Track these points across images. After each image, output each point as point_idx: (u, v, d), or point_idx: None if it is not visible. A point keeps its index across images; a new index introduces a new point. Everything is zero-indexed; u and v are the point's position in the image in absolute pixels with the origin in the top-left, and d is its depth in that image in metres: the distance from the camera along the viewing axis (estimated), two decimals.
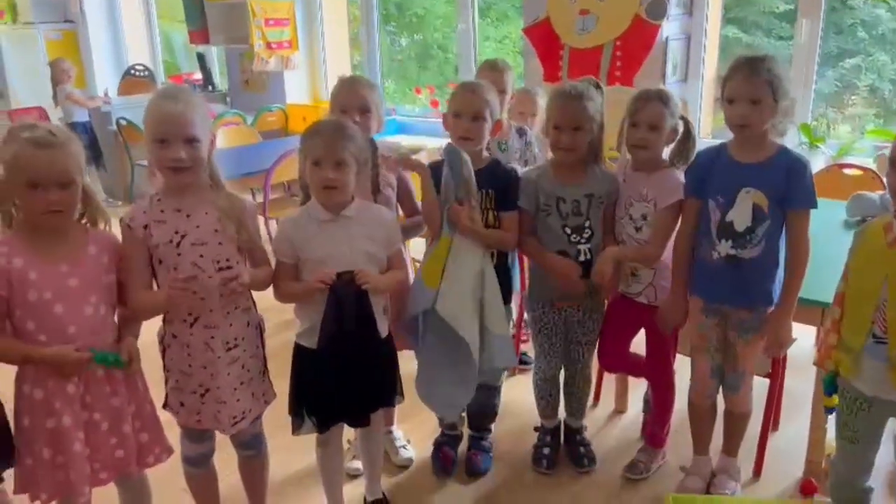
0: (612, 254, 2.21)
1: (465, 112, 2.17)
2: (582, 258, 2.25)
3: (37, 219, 1.66)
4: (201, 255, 1.80)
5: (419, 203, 2.32)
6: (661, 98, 2.15)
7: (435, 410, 2.32)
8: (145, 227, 1.79)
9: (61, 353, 1.65)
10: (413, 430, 2.63)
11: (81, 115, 6.19)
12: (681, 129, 2.19)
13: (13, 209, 1.70)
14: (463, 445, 2.57)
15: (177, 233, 1.79)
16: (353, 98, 2.24)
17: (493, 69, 2.98)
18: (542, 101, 3.08)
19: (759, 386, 2.30)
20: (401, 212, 2.38)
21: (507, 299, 2.29)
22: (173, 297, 1.75)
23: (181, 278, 1.75)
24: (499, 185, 2.22)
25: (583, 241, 2.24)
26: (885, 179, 3.29)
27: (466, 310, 2.11)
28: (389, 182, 2.28)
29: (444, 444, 2.52)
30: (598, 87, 2.26)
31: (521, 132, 3.00)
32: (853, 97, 6.20)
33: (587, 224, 2.24)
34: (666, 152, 2.22)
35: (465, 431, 2.58)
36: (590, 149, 2.22)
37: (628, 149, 2.21)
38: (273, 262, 1.98)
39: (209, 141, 1.83)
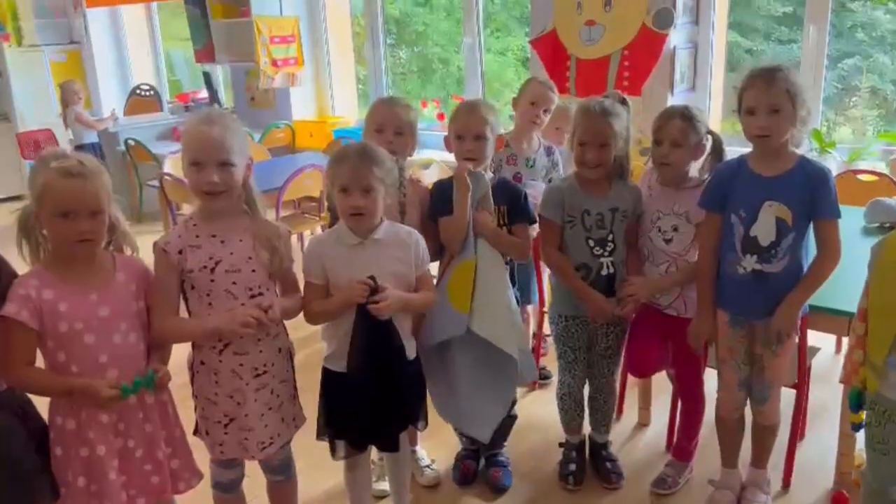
0: (647, 289, 2.24)
1: (467, 133, 2.19)
2: (605, 272, 2.25)
3: (66, 248, 1.67)
4: (234, 283, 1.80)
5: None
6: (684, 115, 2.15)
7: (469, 432, 2.33)
8: (180, 251, 1.79)
9: (95, 388, 1.64)
10: (436, 450, 2.62)
11: (90, 137, 6.22)
12: (709, 144, 2.20)
13: (41, 240, 1.70)
14: (481, 464, 2.56)
15: (211, 258, 1.79)
16: (389, 118, 2.24)
17: (545, 87, 3.01)
18: None
19: (785, 396, 2.29)
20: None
21: None
22: (236, 329, 1.76)
23: (255, 316, 1.75)
24: (508, 200, 2.27)
25: (606, 254, 2.25)
26: None
27: (505, 326, 2.16)
28: (416, 205, 2.27)
29: (466, 458, 2.54)
30: (623, 102, 2.27)
31: (549, 151, 3.01)
32: (854, 99, 6.22)
33: (610, 237, 2.24)
34: (695, 168, 2.23)
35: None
36: (616, 164, 2.23)
37: (654, 166, 2.22)
38: (302, 286, 1.97)
39: (245, 166, 1.83)
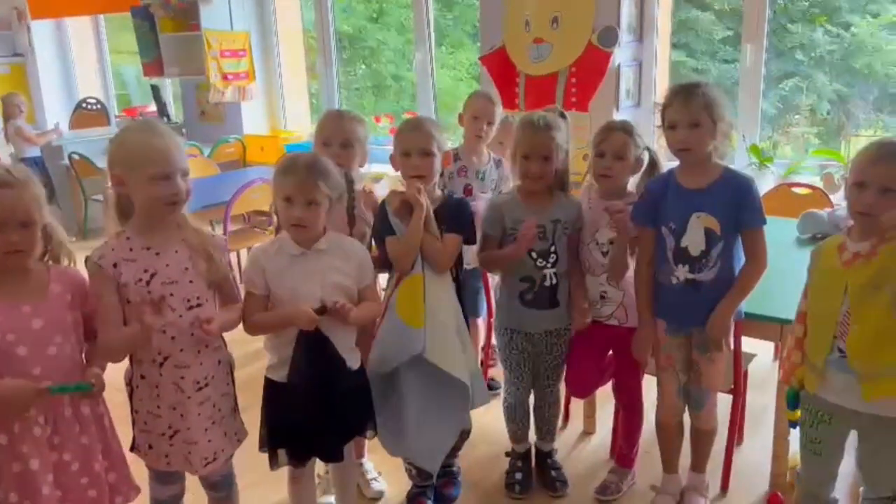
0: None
1: (414, 150, 2.14)
2: (547, 283, 2.29)
3: None
4: (171, 294, 1.78)
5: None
6: (625, 129, 2.22)
7: (418, 464, 2.29)
8: (115, 265, 1.76)
9: (17, 388, 1.60)
10: (384, 462, 2.61)
11: (33, 150, 6.09)
12: (646, 159, 2.26)
13: None
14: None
15: (146, 271, 1.77)
16: (336, 131, 2.25)
17: (486, 100, 3.03)
18: None
19: (723, 402, 2.35)
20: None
21: None
22: (146, 325, 1.70)
23: (151, 304, 1.71)
24: (452, 212, 2.19)
25: (549, 265, 2.28)
26: (836, 196, 3.44)
27: (455, 351, 2.11)
28: (366, 219, 2.28)
29: (419, 496, 2.42)
30: (563, 116, 2.32)
31: (499, 163, 3.05)
32: (796, 117, 6.45)
33: (553, 249, 2.28)
34: (632, 183, 2.29)
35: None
36: (556, 177, 2.27)
37: (594, 178, 2.27)
38: (242, 296, 1.96)
39: None
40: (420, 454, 2.19)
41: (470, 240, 2.24)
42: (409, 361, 2.08)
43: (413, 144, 2.15)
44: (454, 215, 2.19)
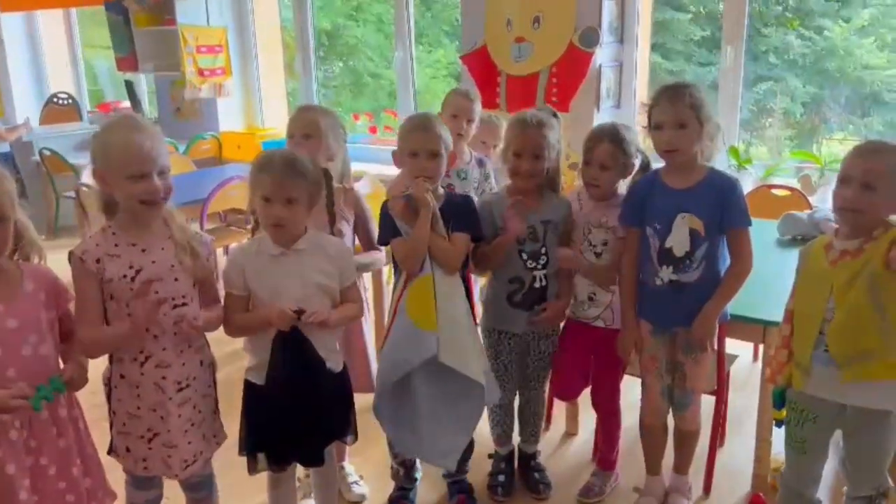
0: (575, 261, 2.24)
1: (422, 150, 2.09)
2: (537, 284, 2.26)
3: None
4: (157, 292, 1.74)
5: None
6: (613, 138, 2.19)
7: (435, 463, 2.26)
8: (98, 260, 1.72)
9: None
10: (364, 466, 2.58)
11: (2, 146, 5.94)
12: (637, 162, 2.24)
13: None
14: (440, 493, 2.49)
15: (131, 268, 1.73)
16: (296, 123, 2.26)
17: (464, 98, 2.99)
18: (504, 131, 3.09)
19: (704, 403, 2.34)
20: (357, 242, 2.37)
21: None
22: (139, 325, 1.68)
23: (151, 302, 1.67)
24: (457, 212, 2.16)
25: (539, 266, 2.26)
26: (815, 198, 3.48)
27: (469, 351, 2.07)
28: (345, 216, 2.25)
29: (401, 499, 2.41)
30: (555, 115, 2.30)
31: (481, 163, 3.02)
32: (769, 120, 6.52)
33: (543, 250, 2.25)
34: (624, 185, 2.28)
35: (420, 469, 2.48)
36: (548, 176, 2.25)
37: (584, 184, 2.27)
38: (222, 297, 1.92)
39: None
40: (437, 455, 2.15)
41: (478, 237, 2.20)
42: (418, 368, 2.03)
43: (422, 145, 2.10)
44: (460, 213, 2.16)
